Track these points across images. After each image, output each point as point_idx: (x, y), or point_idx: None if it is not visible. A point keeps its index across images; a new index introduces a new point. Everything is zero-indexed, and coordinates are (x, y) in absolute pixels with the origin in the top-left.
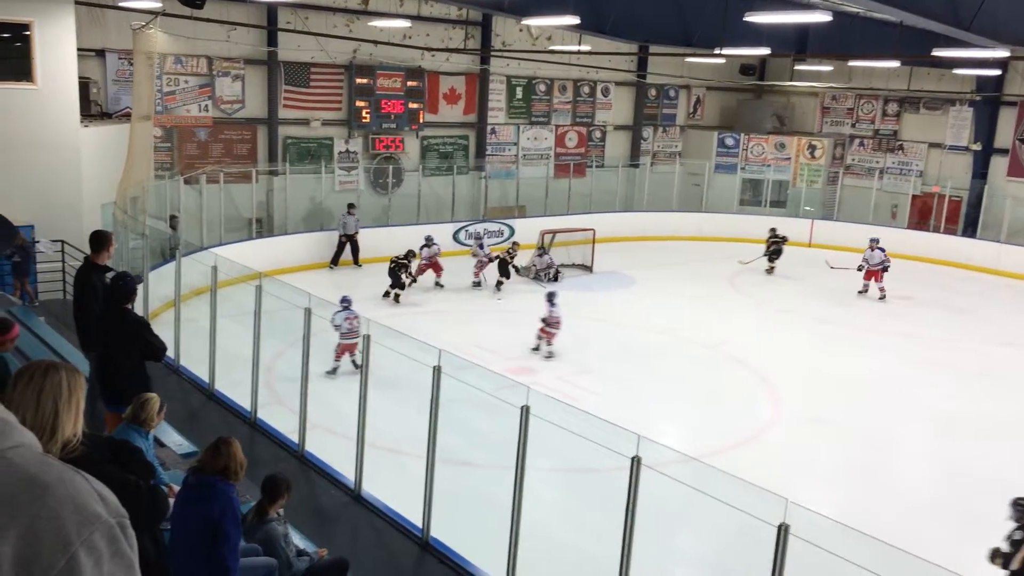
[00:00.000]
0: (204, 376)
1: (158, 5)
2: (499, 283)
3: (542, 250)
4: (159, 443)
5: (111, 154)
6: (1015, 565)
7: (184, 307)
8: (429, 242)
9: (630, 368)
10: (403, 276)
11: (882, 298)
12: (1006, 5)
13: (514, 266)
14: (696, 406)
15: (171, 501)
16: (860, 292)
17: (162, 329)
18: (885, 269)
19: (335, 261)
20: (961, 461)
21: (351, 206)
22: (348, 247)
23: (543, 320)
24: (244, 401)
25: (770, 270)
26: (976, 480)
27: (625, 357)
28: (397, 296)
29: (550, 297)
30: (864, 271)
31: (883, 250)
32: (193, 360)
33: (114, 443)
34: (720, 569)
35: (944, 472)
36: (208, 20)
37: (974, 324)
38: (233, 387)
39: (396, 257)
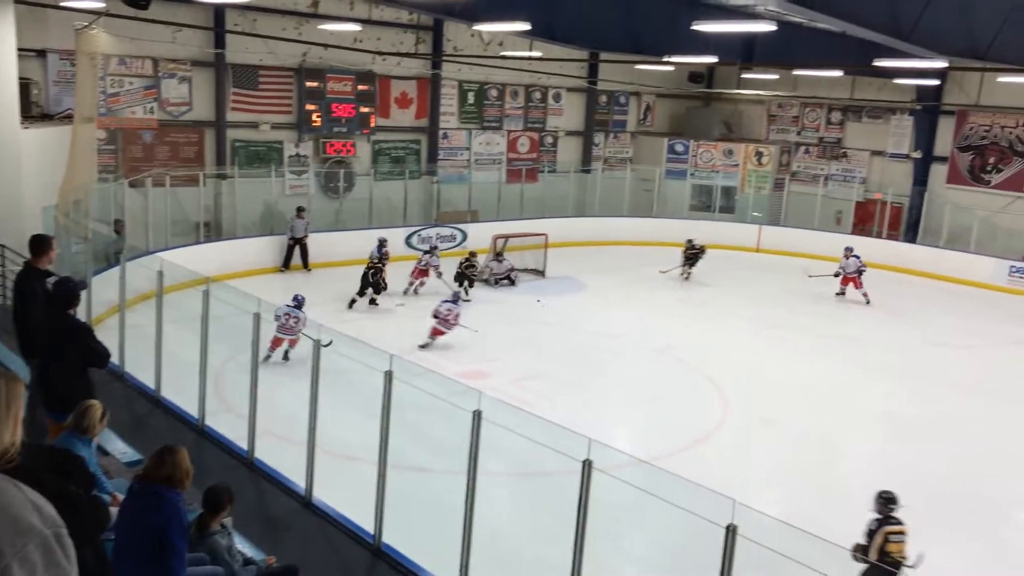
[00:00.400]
0: (150, 383)
1: (101, 5)
2: (457, 295)
3: (499, 255)
4: (103, 451)
5: (52, 156)
6: (872, 556)
7: (129, 313)
8: (383, 244)
9: (582, 372)
10: (381, 279)
11: (867, 303)
12: (944, 17)
13: (472, 277)
14: (647, 409)
15: (115, 511)
16: (838, 294)
17: (107, 335)
18: (860, 273)
19: (286, 264)
20: (903, 460)
21: (300, 209)
22: (297, 251)
23: (436, 316)
24: (191, 408)
25: (687, 276)
26: (916, 479)
27: (577, 361)
28: (374, 299)
29: (455, 298)
30: (841, 277)
31: (858, 257)
32: (139, 367)
33: (55, 452)
34: (670, 570)
35: (886, 471)
36: (153, 21)
37: (915, 327)
38: (180, 394)
39: (372, 260)
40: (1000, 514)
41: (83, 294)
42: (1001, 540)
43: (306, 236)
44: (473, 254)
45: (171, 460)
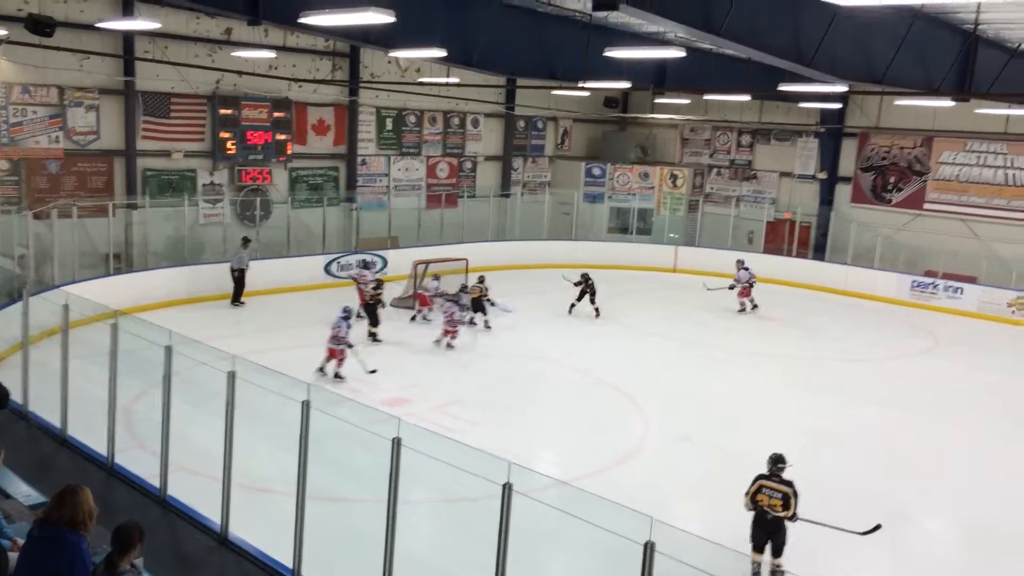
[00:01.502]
0: (56, 421)
1: (2, 32)
2: (348, 310)
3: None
4: (4, 494)
5: None
6: (744, 500)
7: (33, 349)
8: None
9: (505, 396)
10: (378, 310)
11: (755, 307)
12: (843, 43)
13: (381, 303)
14: (571, 430)
15: (15, 556)
16: (740, 311)
17: (9, 373)
18: (751, 285)
19: (237, 297)
20: (821, 472)
21: (246, 240)
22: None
23: (336, 338)
24: (100, 446)
25: (596, 312)
26: (836, 489)
27: (500, 385)
28: (374, 335)
29: (347, 315)
30: (737, 289)
31: (748, 269)
32: (43, 405)
33: None
34: None
35: (806, 482)
36: (59, 48)
37: (826, 342)
38: (88, 432)
39: (370, 290)
40: (907, 520)
41: None
42: (906, 545)
43: (247, 268)
44: (482, 278)
45: (71, 501)
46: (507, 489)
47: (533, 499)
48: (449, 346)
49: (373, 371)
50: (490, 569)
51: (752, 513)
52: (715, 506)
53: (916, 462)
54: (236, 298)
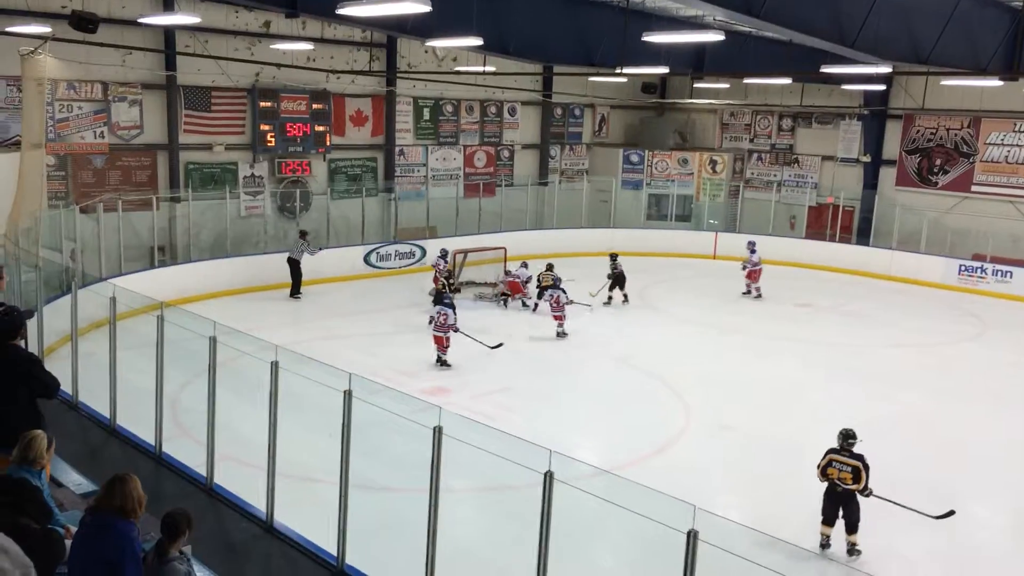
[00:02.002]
0: (105, 411)
1: (47, 29)
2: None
3: (508, 273)
4: (56, 483)
5: (1, 185)
6: (816, 472)
7: (82, 341)
8: (444, 254)
9: (546, 385)
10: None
11: (758, 296)
12: (886, 23)
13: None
14: (611, 420)
15: (68, 543)
16: (744, 294)
17: (59, 364)
18: (759, 269)
19: (297, 289)
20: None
21: (303, 232)
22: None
23: (442, 326)
24: (148, 436)
25: (625, 298)
26: (878, 476)
27: (540, 374)
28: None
29: (449, 302)
30: (747, 271)
31: (756, 251)
32: (93, 395)
33: (8, 483)
34: None
35: None
36: (102, 44)
37: (869, 328)
38: (136, 422)
39: (440, 273)
40: (960, 508)
41: (35, 323)
42: (960, 532)
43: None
44: (551, 266)
45: (122, 489)
46: (548, 477)
47: (575, 487)
48: (562, 333)
49: (498, 345)
50: (532, 557)
51: (824, 487)
52: (757, 495)
53: (965, 449)
54: (294, 290)
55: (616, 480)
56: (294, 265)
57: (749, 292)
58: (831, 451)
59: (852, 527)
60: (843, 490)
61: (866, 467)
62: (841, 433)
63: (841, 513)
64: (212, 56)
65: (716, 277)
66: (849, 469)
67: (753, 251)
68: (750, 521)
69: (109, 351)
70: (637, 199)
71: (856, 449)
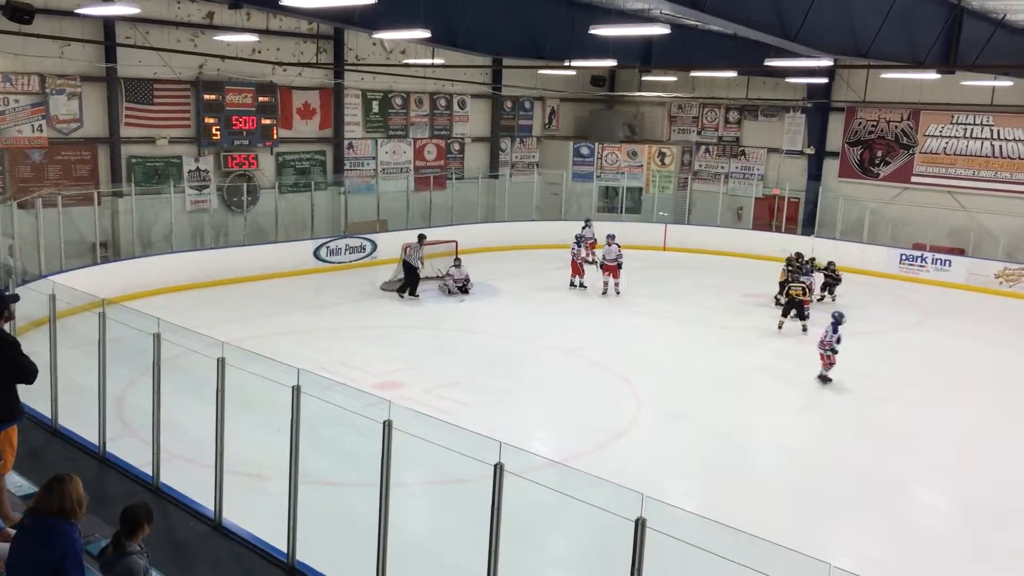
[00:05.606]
0: (47, 411)
1: None
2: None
3: (458, 260)
4: None
5: None
6: (778, 289)
7: (22, 339)
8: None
9: (498, 377)
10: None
11: (618, 293)
12: (828, 17)
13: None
14: (563, 410)
15: (6, 546)
16: (603, 294)
17: None
18: (619, 265)
19: (409, 290)
20: (812, 448)
21: (422, 236)
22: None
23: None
24: (92, 436)
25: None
26: (821, 466)
27: (492, 367)
28: (414, 292)
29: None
30: (601, 266)
31: (618, 245)
32: (34, 395)
33: None
34: (586, 567)
35: (796, 460)
36: (39, 36)
37: (815, 316)
38: (79, 421)
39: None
40: (903, 493)
41: None
42: (903, 516)
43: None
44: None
45: (59, 490)
46: (498, 469)
47: (525, 479)
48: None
49: (594, 261)
50: (483, 548)
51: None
52: (707, 483)
53: (906, 434)
54: (403, 289)
55: (567, 471)
56: (411, 270)
57: (606, 292)
58: (791, 273)
59: (803, 317)
60: (799, 300)
61: (810, 287)
62: (795, 255)
63: (794, 313)
64: (154, 48)
65: (666, 269)
66: (801, 288)
67: (616, 243)
68: (701, 508)
69: (50, 350)
70: (588, 191)
71: (805, 433)
